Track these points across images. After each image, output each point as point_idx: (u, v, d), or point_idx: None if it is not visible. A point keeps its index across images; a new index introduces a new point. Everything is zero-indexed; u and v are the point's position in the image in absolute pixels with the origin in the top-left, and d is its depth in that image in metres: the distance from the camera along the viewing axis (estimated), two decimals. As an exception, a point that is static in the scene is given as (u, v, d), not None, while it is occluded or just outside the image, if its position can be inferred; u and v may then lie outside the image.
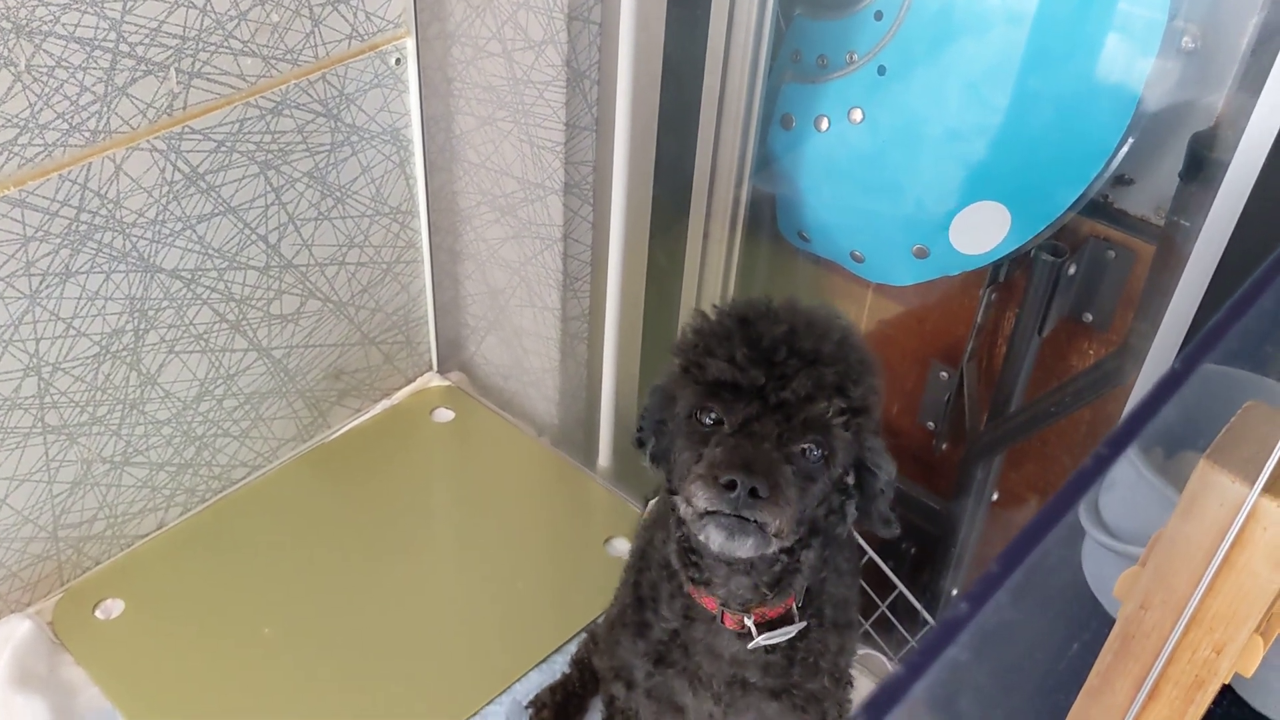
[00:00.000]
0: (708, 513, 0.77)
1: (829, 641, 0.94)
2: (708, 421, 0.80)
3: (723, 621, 0.91)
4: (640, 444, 0.92)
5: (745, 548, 0.77)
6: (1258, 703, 0.98)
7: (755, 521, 0.76)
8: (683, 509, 0.80)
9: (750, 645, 0.90)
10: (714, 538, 0.78)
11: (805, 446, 0.78)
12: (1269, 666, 0.67)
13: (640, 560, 0.99)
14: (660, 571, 0.95)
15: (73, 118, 1.14)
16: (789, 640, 0.91)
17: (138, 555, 1.43)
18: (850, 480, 0.85)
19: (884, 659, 1.32)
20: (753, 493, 0.75)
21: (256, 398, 1.48)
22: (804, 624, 0.91)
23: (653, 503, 1.09)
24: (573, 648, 1.32)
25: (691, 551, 0.89)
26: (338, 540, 1.46)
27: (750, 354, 0.78)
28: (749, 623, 0.90)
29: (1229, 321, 0.45)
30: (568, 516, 1.55)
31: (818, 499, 0.81)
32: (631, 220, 1.43)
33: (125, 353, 1.30)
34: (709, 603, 0.90)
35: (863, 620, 1.30)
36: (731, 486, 0.75)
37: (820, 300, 1.31)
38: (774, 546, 0.79)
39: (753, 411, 0.78)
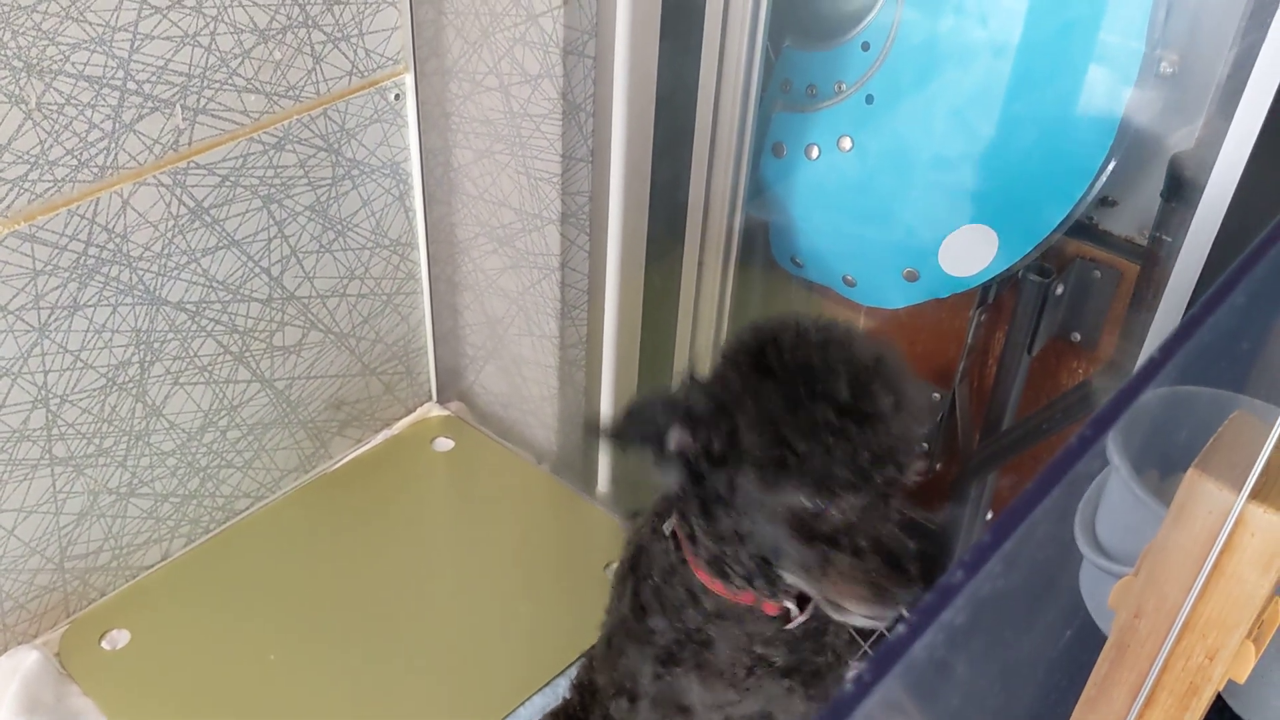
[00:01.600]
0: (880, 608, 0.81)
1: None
2: (817, 507, 0.81)
3: (763, 609, 0.92)
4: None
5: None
6: (1249, 715, 1.00)
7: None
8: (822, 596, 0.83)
9: (790, 625, 0.93)
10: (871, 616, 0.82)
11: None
12: (1258, 677, 0.69)
13: (633, 572, 1.00)
14: (665, 578, 0.96)
15: (81, 154, 1.16)
16: None
17: (143, 586, 1.44)
18: None
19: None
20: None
21: (259, 429, 1.50)
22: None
23: (640, 520, 1.11)
24: (574, 672, 1.33)
25: (768, 563, 0.88)
26: (340, 569, 1.47)
27: (867, 455, 0.79)
28: (789, 604, 0.92)
29: (1207, 311, 0.47)
30: (568, 542, 1.56)
31: None
32: (627, 249, 1.45)
33: (131, 384, 1.32)
34: (746, 597, 0.92)
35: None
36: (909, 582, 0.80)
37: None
38: None
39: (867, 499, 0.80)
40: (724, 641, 0.96)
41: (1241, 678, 0.62)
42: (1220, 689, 0.64)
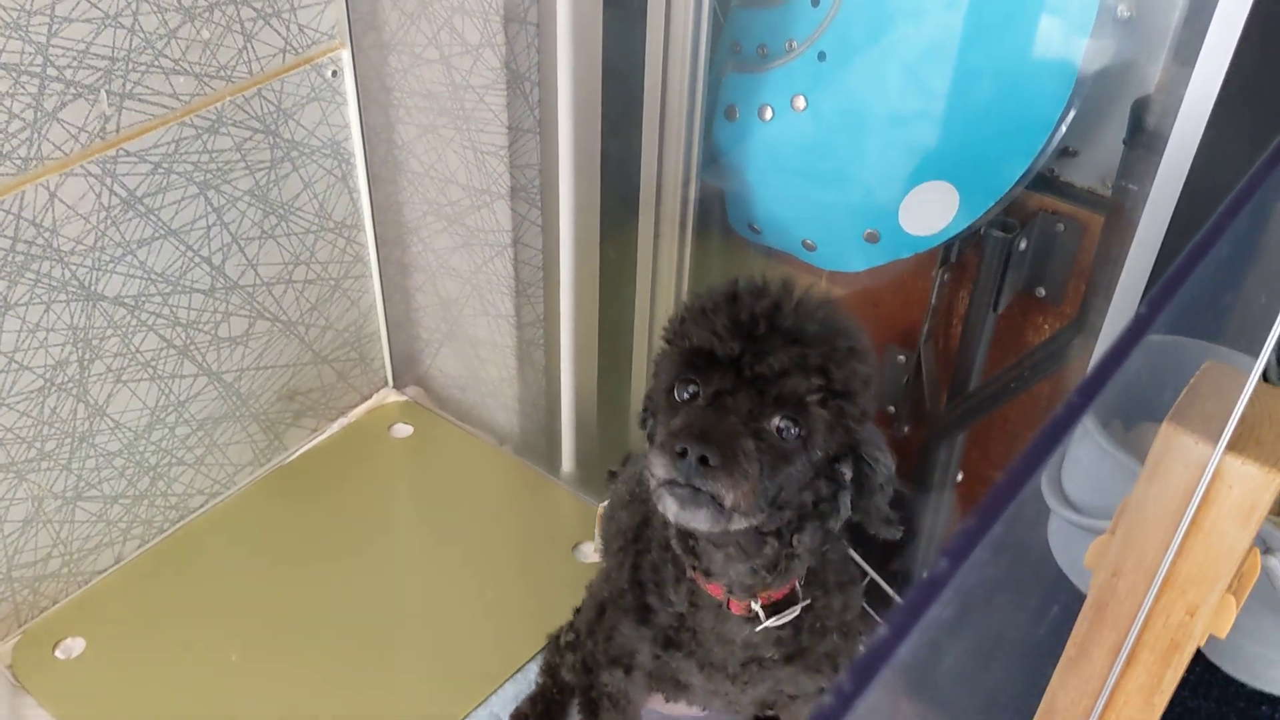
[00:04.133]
0: (664, 482, 0.76)
1: (833, 603, 0.94)
2: (685, 395, 0.79)
3: (729, 607, 0.90)
4: (644, 424, 0.91)
5: (699, 520, 0.76)
6: (1229, 668, 0.99)
7: (709, 493, 0.75)
8: (650, 481, 0.79)
9: (759, 629, 0.90)
10: (669, 508, 0.77)
11: (780, 425, 0.77)
12: (1238, 630, 0.67)
13: (636, 542, 0.98)
14: (662, 554, 0.94)
15: (2, 145, 1.11)
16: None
17: (96, 591, 1.40)
18: (847, 473, 0.84)
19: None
20: (704, 461, 0.73)
21: (210, 423, 1.45)
22: (807, 601, 0.91)
23: (622, 482, 1.08)
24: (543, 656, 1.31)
25: (689, 536, 0.88)
26: (302, 563, 1.44)
27: (730, 325, 0.77)
28: (756, 607, 0.89)
29: (1189, 267, 0.44)
30: (534, 524, 1.53)
31: (798, 481, 0.80)
32: (581, 222, 1.42)
33: (71, 384, 1.27)
34: (715, 589, 0.90)
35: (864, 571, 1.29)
36: (684, 455, 0.74)
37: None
38: (736, 523, 0.77)
39: (726, 384, 0.77)
40: (708, 636, 0.94)
41: (1223, 632, 0.61)
42: (1202, 644, 0.62)
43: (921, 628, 0.30)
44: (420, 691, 1.29)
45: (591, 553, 1.46)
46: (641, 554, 0.96)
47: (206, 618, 1.36)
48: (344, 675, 1.30)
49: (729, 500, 0.75)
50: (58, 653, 1.32)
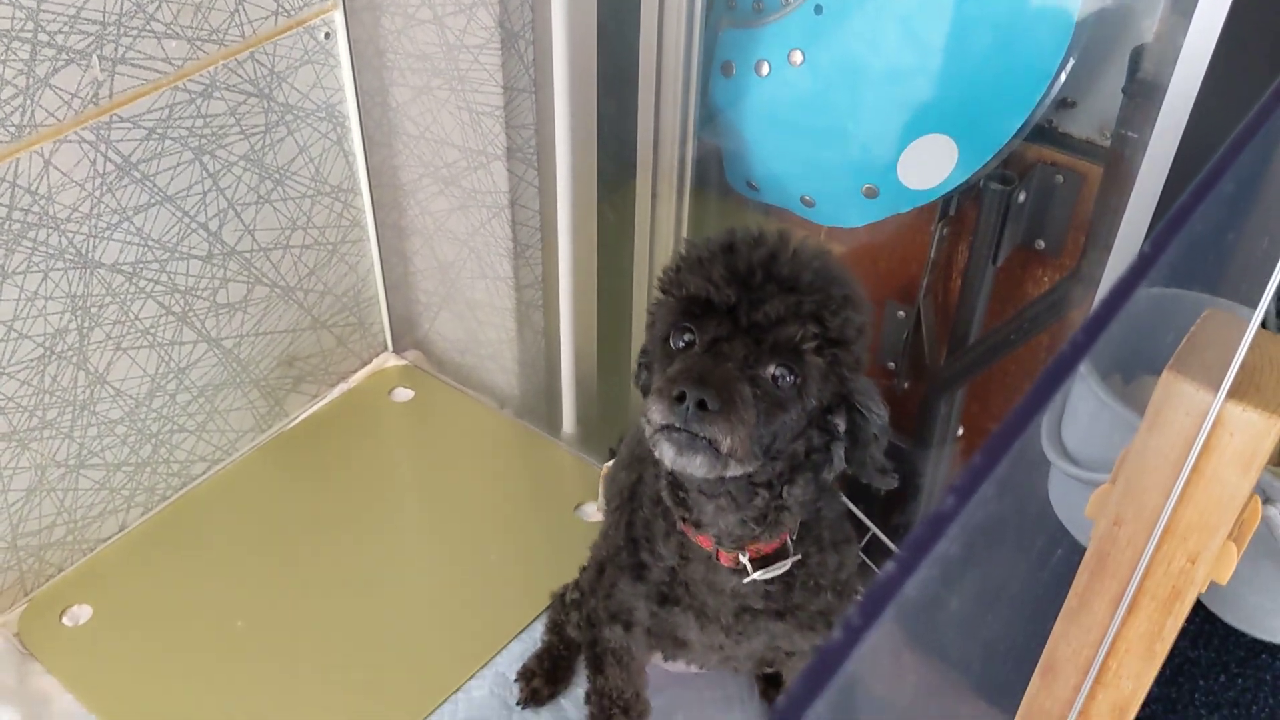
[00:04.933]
0: (662, 428, 0.76)
1: (828, 561, 0.94)
2: (681, 343, 0.79)
3: (718, 559, 0.90)
4: (638, 380, 0.91)
5: (695, 465, 0.76)
6: (1229, 617, 1.00)
7: (706, 439, 0.75)
8: (646, 429, 0.79)
9: (746, 580, 0.90)
10: (666, 453, 0.77)
11: (776, 373, 0.77)
12: (1238, 580, 0.68)
13: (631, 501, 0.98)
14: (653, 509, 0.94)
15: (-6, 114, 1.10)
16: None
17: (101, 559, 1.40)
18: (841, 424, 0.84)
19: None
20: (701, 405, 0.74)
21: (210, 390, 1.45)
22: (798, 556, 0.91)
23: (624, 445, 1.08)
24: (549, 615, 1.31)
25: (680, 488, 0.88)
26: (305, 528, 1.44)
27: (727, 274, 0.77)
28: (744, 559, 0.90)
29: (1193, 205, 0.44)
30: (536, 485, 1.54)
31: (791, 430, 0.80)
32: (578, 182, 1.41)
33: (70, 353, 1.27)
34: (704, 541, 0.90)
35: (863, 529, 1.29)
36: (682, 399, 0.74)
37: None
38: (732, 469, 0.78)
39: (723, 331, 0.77)
40: (699, 587, 0.94)
41: (1224, 579, 0.61)
42: (1203, 591, 0.62)
43: (929, 563, 0.30)
44: (426, 653, 1.30)
45: (594, 512, 1.46)
46: (635, 511, 0.97)
47: (211, 583, 1.37)
48: (350, 638, 1.31)
49: (725, 445, 0.75)
50: (65, 620, 1.33)
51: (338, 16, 1.37)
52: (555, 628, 1.27)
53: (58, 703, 1.24)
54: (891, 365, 1.41)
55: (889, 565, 0.30)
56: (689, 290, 0.78)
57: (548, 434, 1.60)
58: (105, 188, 1.22)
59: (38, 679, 1.26)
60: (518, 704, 1.25)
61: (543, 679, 1.25)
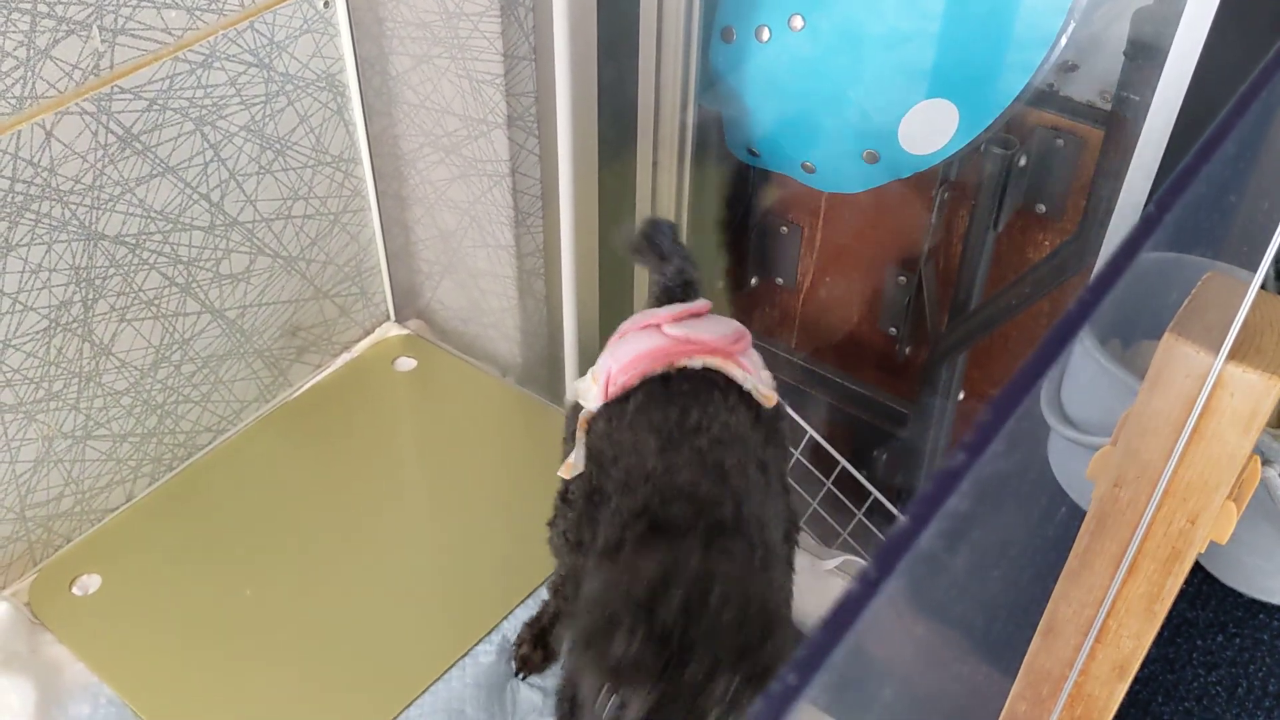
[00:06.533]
0: None
1: None
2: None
3: None
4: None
5: None
6: (1227, 578, 1.01)
7: None
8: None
9: None
10: None
11: None
12: (1237, 542, 0.68)
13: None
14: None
15: (-6, 86, 1.10)
16: None
17: (109, 529, 1.41)
18: None
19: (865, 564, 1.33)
20: None
21: (214, 361, 1.46)
22: None
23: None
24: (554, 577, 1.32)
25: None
26: (312, 497, 1.45)
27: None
28: None
29: (1196, 168, 0.44)
30: (539, 452, 1.54)
31: None
32: (579, 150, 1.41)
33: (75, 324, 1.27)
34: None
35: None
36: None
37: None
38: None
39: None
40: None
41: (1223, 538, 0.62)
42: (1202, 551, 0.63)
43: (938, 519, 0.30)
44: (433, 620, 1.31)
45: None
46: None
47: (219, 552, 1.38)
48: (357, 606, 1.32)
49: None
50: (74, 589, 1.34)
51: (336, -15, 1.37)
52: (555, 587, 1.28)
53: (69, 671, 1.25)
54: (893, 331, 1.41)
55: (903, 521, 0.31)
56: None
57: (551, 401, 1.60)
58: (107, 159, 1.22)
59: (49, 648, 1.27)
60: (515, 675, 1.26)
61: (530, 645, 1.25)
